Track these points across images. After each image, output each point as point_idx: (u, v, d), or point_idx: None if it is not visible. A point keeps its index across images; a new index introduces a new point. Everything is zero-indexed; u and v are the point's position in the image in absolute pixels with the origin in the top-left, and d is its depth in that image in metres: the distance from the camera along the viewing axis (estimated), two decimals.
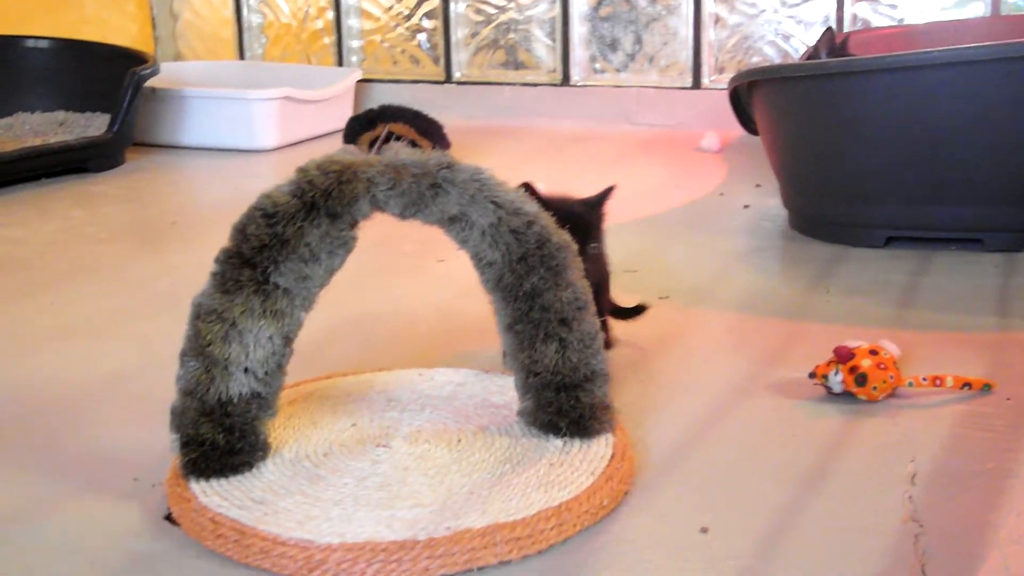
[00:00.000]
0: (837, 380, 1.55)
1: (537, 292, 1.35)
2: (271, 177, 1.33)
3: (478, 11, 4.00)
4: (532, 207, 1.36)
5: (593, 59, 3.89)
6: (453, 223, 1.34)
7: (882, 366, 1.54)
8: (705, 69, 3.75)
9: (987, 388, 1.57)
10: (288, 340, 1.29)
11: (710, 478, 1.36)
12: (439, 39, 4.06)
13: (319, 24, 4.21)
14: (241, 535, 1.17)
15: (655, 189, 2.94)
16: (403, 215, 1.33)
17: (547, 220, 1.37)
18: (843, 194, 2.35)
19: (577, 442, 1.35)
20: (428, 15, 4.07)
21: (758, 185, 2.87)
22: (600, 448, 1.34)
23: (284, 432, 1.40)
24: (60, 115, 3.52)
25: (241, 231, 1.28)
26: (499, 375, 1.56)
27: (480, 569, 1.15)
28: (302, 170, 1.30)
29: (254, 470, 1.29)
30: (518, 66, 3.99)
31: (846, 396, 1.55)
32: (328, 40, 4.20)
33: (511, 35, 3.98)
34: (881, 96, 2.24)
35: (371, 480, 1.28)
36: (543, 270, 1.35)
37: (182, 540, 1.22)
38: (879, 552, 1.18)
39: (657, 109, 3.79)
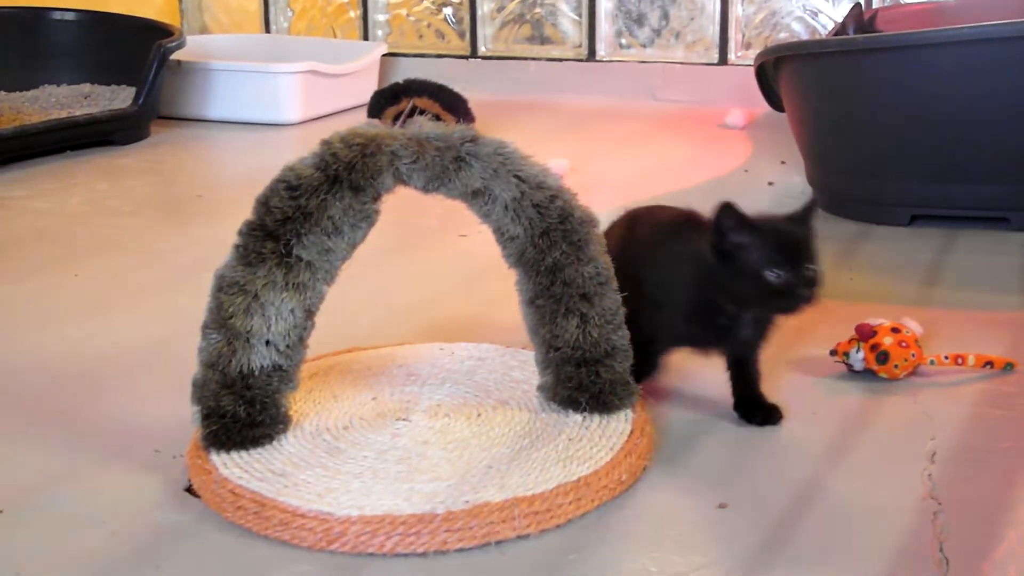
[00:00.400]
0: (858, 358, 1.54)
1: (559, 267, 1.35)
2: (296, 151, 1.32)
3: None
4: (555, 181, 1.36)
5: (619, 34, 3.87)
6: (476, 197, 1.34)
7: (904, 344, 1.53)
8: (732, 45, 3.73)
9: (1009, 367, 1.57)
10: (310, 313, 1.29)
11: (730, 455, 1.36)
12: (465, 13, 4.04)
13: None
14: (261, 507, 1.18)
15: (679, 165, 2.93)
16: (426, 189, 1.33)
17: (570, 194, 1.37)
18: (868, 172, 2.34)
19: (597, 417, 1.36)
20: None
21: (783, 162, 2.85)
22: (619, 423, 1.34)
23: (305, 405, 1.40)
24: (86, 88, 3.52)
25: (264, 203, 1.28)
26: (520, 350, 1.56)
27: (498, 543, 1.16)
28: (326, 143, 1.30)
29: (274, 443, 1.30)
30: (544, 41, 3.98)
31: (867, 374, 1.55)
32: (353, 14, 4.19)
33: (537, 9, 3.96)
34: (907, 73, 2.22)
35: (390, 453, 1.28)
36: (565, 245, 1.34)
37: (202, 512, 1.23)
38: (897, 529, 1.18)
39: (683, 85, 3.77)
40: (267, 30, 4.32)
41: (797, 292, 1.31)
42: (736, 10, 3.71)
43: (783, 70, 2.47)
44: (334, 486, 1.21)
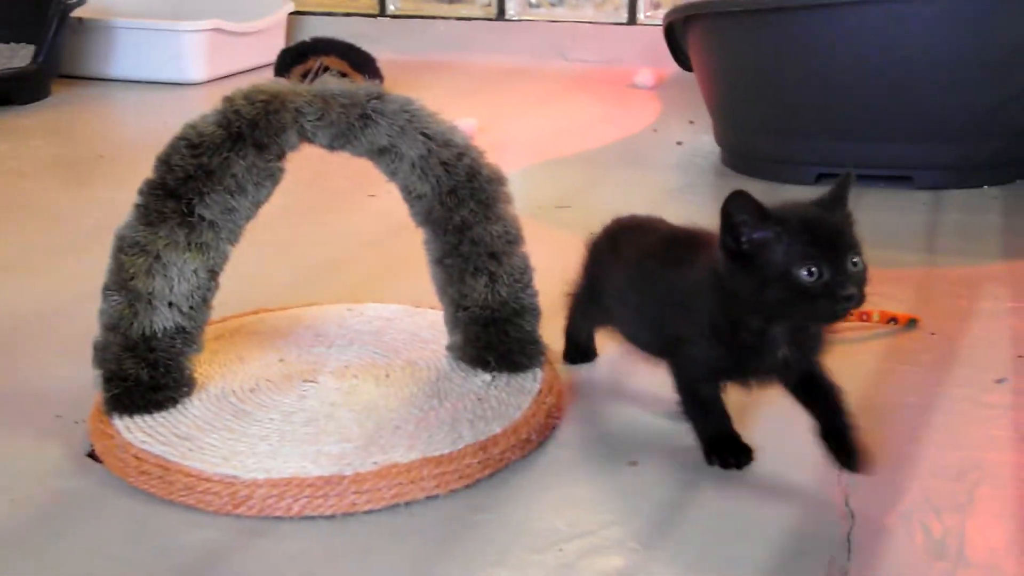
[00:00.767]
0: None
1: (467, 225, 1.34)
2: (200, 110, 1.30)
3: None
4: (462, 139, 1.35)
5: None
6: (382, 155, 1.33)
7: None
8: (641, 4, 3.73)
9: (913, 323, 1.59)
10: (213, 274, 1.27)
11: (639, 415, 1.36)
12: None
13: None
14: (165, 471, 1.16)
15: (589, 125, 2.93)
16: (331, 146, 1.32)
17: (477, 152, 1.35)
18: (775, 130, 2.36)
19: (505, 376, 1.35)
20: None
21: (691, 122, 2.86)
22: (528, 383, 1.34)
23: (210, 368, 1.38)
24: None
25: (165, 162, 1.25)
26: (429, 310, 1.55)
27: (407, 504, 1.15)
28: (228, 99, 1.28)
29: (179, 406, 1.28)
30: (453, 0, 3.95)
31: None
32: None
33: None
34: (814, 33, 2.25)
35: (298, 415, 1.27)
36: (473, 203, 1.34)
37: (105, 477, 1.21)
38: (802, 484, 1.19)
39: (592, 45, 3.77)
40: None
41: (840, 293, 1.07)
42: None
43: (692, 29, 2.48)
44: (240, 449, 1.19)
